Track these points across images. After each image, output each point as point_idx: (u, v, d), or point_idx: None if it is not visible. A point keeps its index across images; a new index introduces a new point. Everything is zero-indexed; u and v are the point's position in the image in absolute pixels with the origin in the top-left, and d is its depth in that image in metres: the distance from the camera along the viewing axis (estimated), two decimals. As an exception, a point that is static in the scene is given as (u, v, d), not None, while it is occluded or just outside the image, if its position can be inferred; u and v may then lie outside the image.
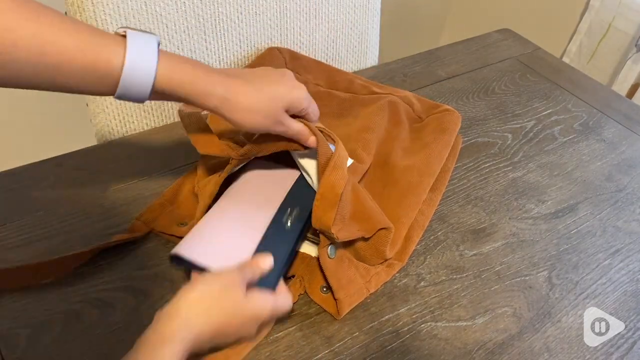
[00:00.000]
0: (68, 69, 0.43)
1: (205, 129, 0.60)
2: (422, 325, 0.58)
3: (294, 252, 0.60)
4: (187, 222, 0.63)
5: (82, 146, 0.75)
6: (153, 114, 0.88)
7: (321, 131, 0.59)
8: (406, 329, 0.58)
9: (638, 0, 1.40)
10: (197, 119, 0.60)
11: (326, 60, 1.02)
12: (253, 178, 0.64)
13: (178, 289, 0.42)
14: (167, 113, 0.89)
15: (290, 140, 0.57)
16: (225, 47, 0.91)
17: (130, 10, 0.79)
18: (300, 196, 0.61)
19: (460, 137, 0.83)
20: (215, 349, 0.45)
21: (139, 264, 0.60)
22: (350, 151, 0.70)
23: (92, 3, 0.76)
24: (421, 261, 0.65)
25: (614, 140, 0.89)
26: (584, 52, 1.57)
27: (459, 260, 0.66)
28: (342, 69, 0.93)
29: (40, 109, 1.30)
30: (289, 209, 0.59)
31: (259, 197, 0.61)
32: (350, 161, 0.68)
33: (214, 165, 0.64)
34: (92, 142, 0.83)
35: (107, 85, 0.45)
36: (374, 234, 0.61)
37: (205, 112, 0.59)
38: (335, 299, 0.58)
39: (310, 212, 0.56)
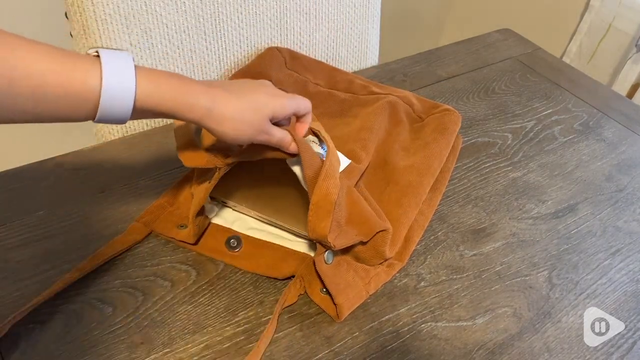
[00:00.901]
0: (41, 94, 0.41)
1: (191, 142, 0.59)
2: (422, 326, 0.58)
3: None
4: (187, 224, 0.63)
5: (82, 146, 0.75)
6: (153, 114, 0.88)
7: (312, 130, 0.58)
8: (406, 329, 0.58)
9: (638, 0, 1.40)
10: (183, 132, 0.59)
11: (326, 60, 1.02)
12: None
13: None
14: (167, 113, 0.89)
15: (275, 148, 0.56)
16: (225, 47, 0.91)
17: (130, 10, 0.79)
18: None
19: (461, 137, 0.83)
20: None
21: (139, 264, 0.61)
22: (349, 151, 0.70)
23: (92, 3, 0.76)
24: (421, 261, 0.65)
25: (614, 140, 0.89)
26: (584, 52, 1.57)
27: (459, 260, 0.66)
28: (342, 69, 0.93)
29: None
30: None
31: None
32: (347, 162, 0.67)
33: (206, 169, 0.63)
34: (92, 142, 0.83)
35: (85, 109, 0.43)
36: (372, 237, 0.61)
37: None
38: (334, 304, 0.58)
39: None
